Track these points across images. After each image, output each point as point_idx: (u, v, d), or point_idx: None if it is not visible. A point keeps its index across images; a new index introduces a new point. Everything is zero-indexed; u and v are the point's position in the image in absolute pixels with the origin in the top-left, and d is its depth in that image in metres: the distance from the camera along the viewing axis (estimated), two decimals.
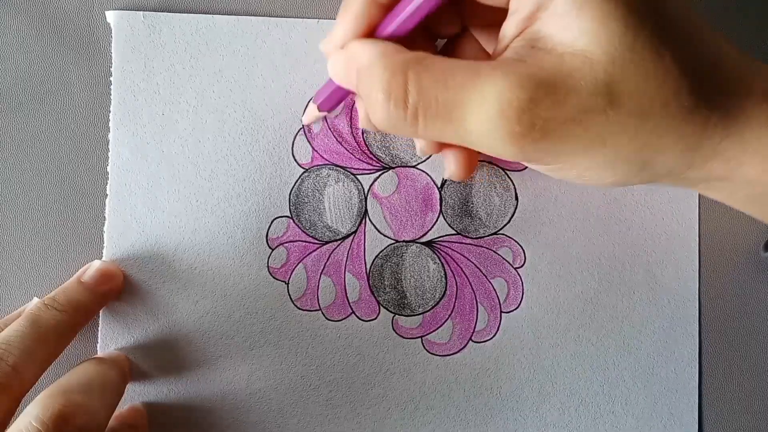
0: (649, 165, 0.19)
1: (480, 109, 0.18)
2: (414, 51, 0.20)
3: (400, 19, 0.22)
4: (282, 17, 0.32)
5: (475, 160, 0.25)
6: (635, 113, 0.18)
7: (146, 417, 0.30)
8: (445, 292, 0.32)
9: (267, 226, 0.31)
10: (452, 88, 0.19)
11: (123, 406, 0.30)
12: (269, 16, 0.32)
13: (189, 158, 0.31)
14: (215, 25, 0.32)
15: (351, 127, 0.32)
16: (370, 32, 0.22)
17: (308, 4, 0.32)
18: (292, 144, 0.32)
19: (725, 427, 0.32)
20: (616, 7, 0.18)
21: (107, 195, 0.31)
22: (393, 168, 0.32)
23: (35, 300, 0.28)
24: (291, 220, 0.32)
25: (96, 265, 0.30)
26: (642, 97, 0.18)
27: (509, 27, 0.20)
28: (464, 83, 0.18)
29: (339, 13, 0.23)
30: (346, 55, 0.22)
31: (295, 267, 0.31)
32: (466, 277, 0.32)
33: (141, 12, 0.31)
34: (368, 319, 0.32)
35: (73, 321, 0.27)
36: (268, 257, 0.31)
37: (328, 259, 0.32)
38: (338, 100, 0.26)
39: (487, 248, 0.32)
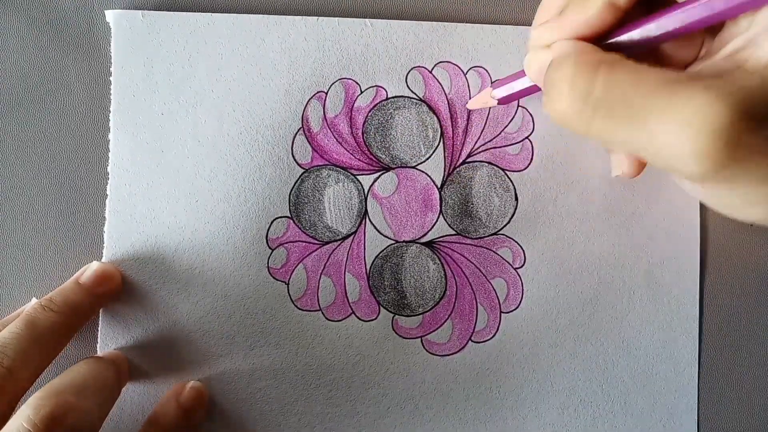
0: None
1: (670, 118, 0.16)
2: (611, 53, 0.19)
3: (646, 31, 0.19)
4: (281, 15, 0.30)
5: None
6: None
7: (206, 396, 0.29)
8: (444, 293, 0.31)
9: (267, 227, 0.30)
10: (642, 92, 0.17)
11: (122, 406, 0.29)
12: (268, 14, 0.30)
13: (188, 158, 0.30)
14: (214, 24, 0.30)
15: (351, 127, 0.31)
16: (594, 38, 0.20)
17: (308, 2, 0.31)
18: (292, 144, 0.30)
19: (724, 427, 0.31)
20: None
21: (107, 195, 0.30)
22: (393, 168, 0.31)
23: (34, 300, 0.27)
24: (291, 221, 0.30)
25: (94, 266, 0.29)
26: None
27: (723, 43, 0.18)
28: (657, 90, 0.16)
29: (564, 11, 0.20)
30: (547, 55, 0.20)
31: (295, 267, 0.30)
32: (466, 277, 0.31)
33: (140, 11, 0.30)
34: (368, 319, 0.30)
35: (70, 322, 0.26)
36: (268, 257, 0.30)
37: (328, 260, 0.30)
38: (520, 96, 0.25)
39: (486, 249, 0.31)
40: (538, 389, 0.31)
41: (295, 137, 0.30)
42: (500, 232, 0.31)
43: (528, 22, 0.31)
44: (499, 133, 0.31)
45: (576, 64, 0.18)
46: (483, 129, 0.31)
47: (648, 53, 0.21)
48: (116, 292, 0.29)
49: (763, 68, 0.17)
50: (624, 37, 0.20)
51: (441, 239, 0.31)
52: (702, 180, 0.17)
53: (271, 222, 0.30)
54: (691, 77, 0.17)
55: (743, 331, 0.31)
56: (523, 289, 0.31)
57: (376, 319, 0.30)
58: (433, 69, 0.31)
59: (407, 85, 0.31)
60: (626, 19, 0.20)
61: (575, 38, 0.20)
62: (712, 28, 0.20)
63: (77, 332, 0.27)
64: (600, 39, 0.20)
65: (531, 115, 0.31)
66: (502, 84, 0.26)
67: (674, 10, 0.19)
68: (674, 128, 0.16)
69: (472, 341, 0.31)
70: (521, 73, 0.26)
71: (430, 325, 0.31)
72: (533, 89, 0.26)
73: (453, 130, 0.31)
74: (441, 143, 0.31)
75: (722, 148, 0.15)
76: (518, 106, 0.31)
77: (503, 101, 0.26)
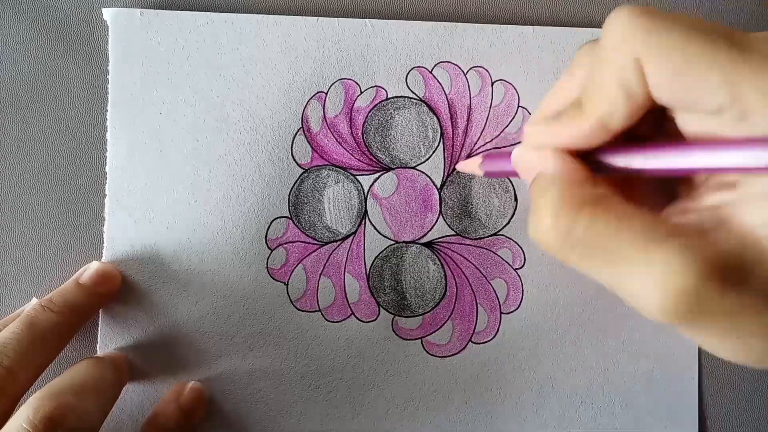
0: None
1: (641, 272, 0.16)
2: (597, 186, 0.19)
3: (634, 161, 0.19)
4: (281, 15, 0.30)
5: None
6: None
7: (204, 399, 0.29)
8: (445, 293, 0.31)
9: (266, 227, 0.30)
10: (620, 241, 0.17)
11: (122, 406, 0.29)
12: (268, 14, 0.30)
13: (187, 158, 0.30)
14: (213, 23, 0.30)
15: (351, 127, 0.30)
16: (585, 151, 0.20)
17: (308, 2, 0.31)
18: (292, 144, 0.30)
19: (725, 427, 0.31)
20: None
21: (106, 195, 0.30)
22: (393, 169, 0.31)
23: (34, 300, 0.27)
24: (290, 221, 0.30)
25: (94, 266, 0.28)
26: None
27: (709, 193, 0.18)
28: (635, 241, 0.17)
29: (559, 117, 0.20)
30: (536, 159, 0.20)
31: (295, 268, 0.30)
32: (466, 278, 0.31)
33: (138, 9, 0.30)
34: (368, 320, 0.30)
35: (69, 323, 0.26)
36: (268, 258, 0.30)
37: (327, 260, 0.30)
38: (506, 175, 0.25)
39: (486, 249, 0.31)
40: (538, 390, 0.30)
41: (294, 137, 0.30)
42: (500, 233, 0.31)
43: (528, 22, 0.31)
44: (499, 134, 0.31)
45: (560, 198, 0.18)
46: (483, 129, 0.31)
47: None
48: (116, 291, 0.29)
49: (745, 234, 0.17)
50: (617, 161, 0.19)
51: (441, 240, 0.31)
52: (670, 325, 0.18)
53: (271, 222, 0.30)
54: (671, 231, 0.17)
55: None
56: (523, 290, 0.31)
57: (375, 320, 0.30)
58: (433, 69, 0.31)
59: (407, 86, 0.31)
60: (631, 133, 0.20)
61: (566, 150, 0.20)
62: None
63: (77, 332, 0.27)
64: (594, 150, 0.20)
65: (531, 115, 0.31)
66: (494, 159, 0.25)
67: (679, 149, 0.18)
68: (643, 281, 0.16)
69: (472, 342, 0.31)
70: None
71: (430, 326, 0.30)
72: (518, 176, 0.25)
73: (453, 131, 0.31)
74: (441, 144, 0.31)
75: (684, 309, 0.16)
76: (518, 106, 0.31)
77: (490, 175, 0.26)
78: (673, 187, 0.21)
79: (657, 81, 0.17)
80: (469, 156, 0.31)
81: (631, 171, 0.19)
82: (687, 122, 0.18)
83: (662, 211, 0.20)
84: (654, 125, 0.20)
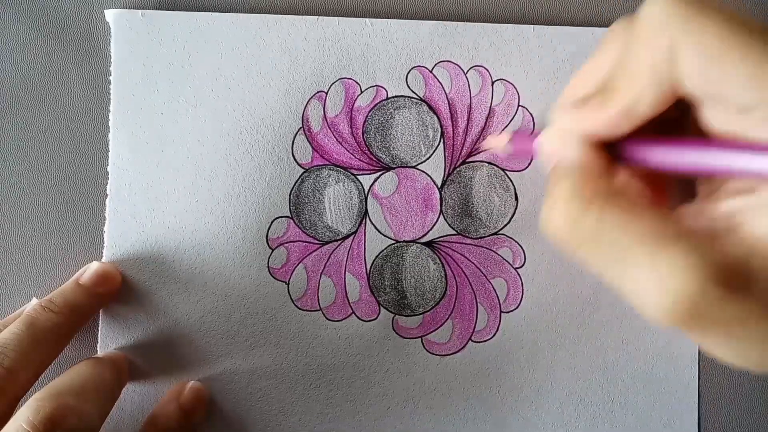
0: None
1: (646, 272, 0.16)
2: (614, 178, 0.18)
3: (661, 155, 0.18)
4: (281, 14, 0.30)
5: None
6: None
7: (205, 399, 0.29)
8: (445, 292, 0.30)
9: (267, 227, 0.30)
10: (628, 239, 0.17)
11: (122, 406, 0.29)
12: (268, 14, 0.30)
13: (188, 158, 0.30)
14: (214, 23, 0.30)
15: (351, 127, 0.30)
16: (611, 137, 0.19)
17: (308, 2, 0.31)
18: (292, 143, 0.30)
19: (725, 427, 0.31)
20: None
21: (107, 195, 0.29)
22: (393, 168, 0.30)
23: (34, 300, 0.27)
24: (291, 221, 0.30)
25: (94, 266, 0.28)
26: None
27: (726, 197, 0.18)
28: (643, 242, 0.16)
29: (586, 101, 0.19)
30: (559, 145, 0.20)
31: (296, 267, 0.30)
32: (466, 277, 0.30)
33: (140, 10, 0.30)
34: (368, 319, 0.30)
35: (70, 323, 0.26)
36: (269, 257, 0.30)
37: (328, 260, 0.30)
38: (530, 156, 0.24)
39: (487, 248, 0.30)
40: (538, 389, 0.30)
41: (295, 137, 0.30)
42: (500, 232, 0.30)
43: (529, 21, 0.31)
44: (500, 133, 0.31)
45: (574, 188, 0.18)
46: (483, 129, 0.30)
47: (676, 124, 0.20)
48: (116, 291, 0.29)
49: (755, 242, 0.17)
50: (639, 153, 0.19)
51: (441, 239, 0.30)
52: (672, 327, 0.18)
53: (272, 222, 0.30)
54: (679, 233, 0.17)
55: None
56: (523, 289, 0.30)
57: (376, 319, 0.30)
58: (433, 68, 0.30)
59: (407, 85, 0.30)
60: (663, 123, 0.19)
61: (590, 138, 0.19)
62: None
63: (77, 333, 0.27)
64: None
65: (531, 115, 0.30)
66: (520, 137, 0.25)
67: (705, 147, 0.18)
68: (647, 282, 0.16)
69: (472, 341, 0.30)
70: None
71: (431, 325, 0.30)
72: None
73: (453, 130, 0.30)
74: (441, 143, 0.30)
75: (685, 314, 0.16)
76: (518, 105, 0.31)
77: (516, 156, 0.25)
78: (693, 186, 0.21)
79: (690, 70, 0.17)
80: (469, 155, 0.30)
81: (653, 165, 0.19)
82: (713, 118, 0.18)
83: (678, 209, 0.19)
84: (677, 123, 0.19)
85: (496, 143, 0.27)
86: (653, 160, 0.19)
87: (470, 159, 0.30)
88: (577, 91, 0.21)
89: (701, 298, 0.16)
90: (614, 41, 0.19)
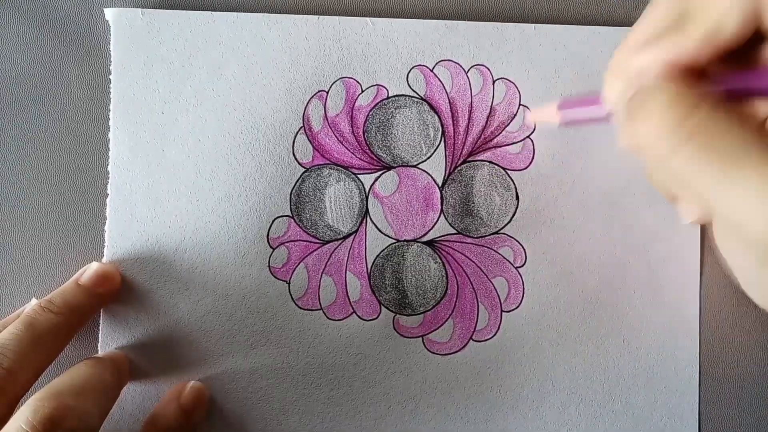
0: None
1: (754, 185, 0.15)
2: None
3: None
4: (282, 13, 0.30)
5: None
6: None
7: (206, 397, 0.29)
8: (446, 292, 0.30)
9: (268, 226, 0.30)
10: (740, 143, 0.15)
11: (122, 406, 0.29)
12: (269, 13, 0.30)
13: (189, 157, 0.29)
14: (214, 22, 0.29)
15: (352, 126, 0.30)
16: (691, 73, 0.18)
17: (309, 1, 0.30)
18: (293, 143, 0.30)
19: (725, 427, 0.31)
20: None
21: (108, 194, 0.29)
22: (394, 167, 0.30)
23: (33, 301, 0.26)
24: (292, 220, 0.30)
25: (93, 266, 0.28)
26: None
27: None
28: (753, 150, 0.15)
29: (660, 36, 0.18)
30: (631, 85, 0.19)
31: (296, 266, 0.30)
32: (467, 276, 0.30)
33: (140, 9, 0.29)
34: (369, 318, 0.30)
35: (69, 323, 0.26)
36: (269, 257, 0.30)
37: (329, 259, 0.30)
38: (587, 121, 0.23)
39: (487, 248, 0.30)
40: (538, 388, 0.30)
41: (296, 136, 0.30)
42: (501, 231, 0.30)
43: (529, 19, 0.31)
44: (500, 132, 0.30)
45: (677, 91, 0.17)
46: (484, 128, 0.30)
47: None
48: (116, 292, 0.28)
49: None
50: (725, 80, 0.18)
51: (442, 238, 0.30)
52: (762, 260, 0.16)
53: (272, 221, 0.30)
54: None
55: (744, 331, 0.31)
56: (523, 288, 0.30)
57: (377, 318, 0.30)
58: (434, 67, 0.30)
59: (408, 84, 0.30)
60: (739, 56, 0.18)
61: (672, 67, 0.18)
62: None
63: (77, 333, 0.27)
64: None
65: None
66: (570, 104, 0.24)
67: None
68: (755, 196, 0.15)
69: (473, 340, 0.30)
70: (594, 100, 0.23)
71: (431, 324, 0.30)
72: (602, 119, 0.23)
73: (454, 129, 0.30)
74: (442, 142, 0.30)
75: None
76: (519, 104, 0.30)
77: (567, 126, 0.24)
78: None
79: None
80: (470, 154, 0.30)
81: (741, 89, 0.17)
82: None
83: None
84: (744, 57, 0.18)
85: (541, 117, 0.25)
86: (741, 85, 0.18)
87: (471, 158, 0.30)
88: (641, 36, 0.19)
89: None
90: None
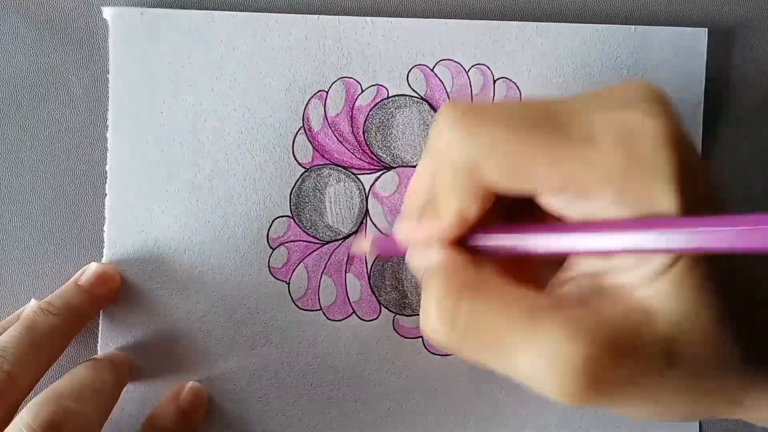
0: (697, 414, 0.18)
1: (532, 353, 0.16)
2: (480, 268, 0.18)
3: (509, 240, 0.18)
4: (282, 13, 0.29)
5: None
6: (689, 376, 0.16)
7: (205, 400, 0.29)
8: None
9: (268, 226, 0.29)
10: (505, 321, 0.16)
11: (122, 406, 0.28)
12: (269, 12, 0.29)
13: (188, 157, 0.29)
14: (214, 22, 0.29)
15: (352, 126, 0.30)
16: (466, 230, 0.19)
17: (309, 0, 0.30)
18: (293, 143, 0.29)
19: (725, 427, 0.30)
20: (699, 276, 0.16)
21: (106, 195, 0.29)
22: (394, 168, 0.30)
23: (33, 302, 0.26)
24: (292, 220, 0.29)
25: (93, 267, 0.28)
26: (698, 361, 0.16)
27: (583, 259, 0.18)
28: (519, 320, 0.16)
29: (421, 217, 0.20)
30: (421, 256, 0.20)
31: (296, 267, 0.29)
32: None
33: (139, 8, 0.29)
34: (369, 318, 0.30)
35: (69, 325, 0.25)
36: (269, 257, 0.29)
37: (329, 259, 0.30)
38: (399, 254, 0.24)
39: None
40: None
41: (295, 136, 0.29)
42: None
43: (531, 18, 0.30)
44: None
45: (442, 286, 0.18)
46: None
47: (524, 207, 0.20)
48: (116, 292, 0.28)
49: (624, 297, 0.16)
50: (493, 243, 0.19)
51: None
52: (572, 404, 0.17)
53: (272, 221, 0.29)
54: (552, 307, 0.16)
55: None
56: None
57: (377, 318, 0.30)
58: (434, 67, 0.30)
59: (408, 84, 0.30)
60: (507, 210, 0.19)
61: (443, 241, 0.19)
62: None
63: (77, 335, 0.27)
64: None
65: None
66: (383, 243, 0.25)
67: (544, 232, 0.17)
68: (537, 363, 0.15)
69: None
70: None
71: None
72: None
73: None
74: None
75: (583, 386, 0.15)
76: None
77: (384, 254, 0.26)
78: (560, 259, 0.20)
79: (494, 178, 0.17)
80: None
81: (509, 252, 0.18)
82: (548, 204, 0.17)
83: (552, 280, 0.19)
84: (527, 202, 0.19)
85: (361, 248, 0.28)
86: (508, 245, 0.18)
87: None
88: (414, 204, 0.21)
89: (594, 367, 0.15)
90: (432, 144, 0.19)
